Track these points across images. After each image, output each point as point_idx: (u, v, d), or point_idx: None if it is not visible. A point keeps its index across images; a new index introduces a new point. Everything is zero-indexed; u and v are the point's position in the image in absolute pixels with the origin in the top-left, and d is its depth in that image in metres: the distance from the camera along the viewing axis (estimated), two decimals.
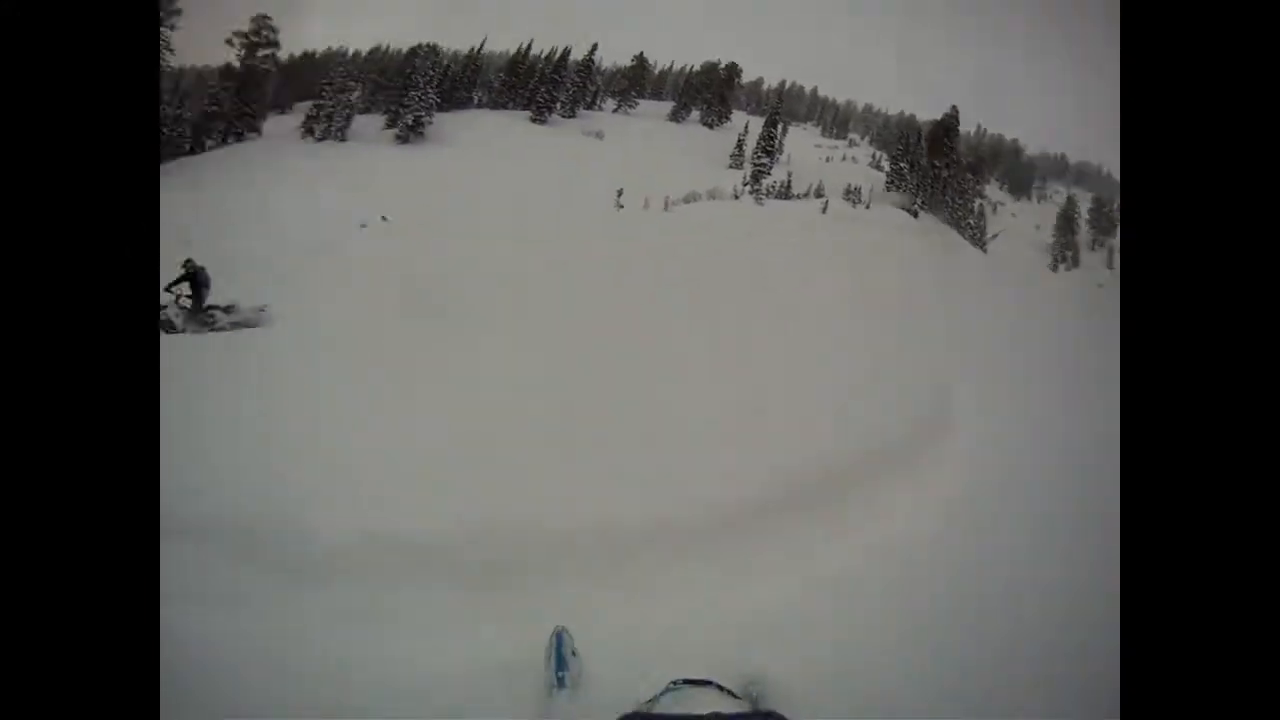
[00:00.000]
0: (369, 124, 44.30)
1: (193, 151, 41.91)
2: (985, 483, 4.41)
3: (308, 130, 41.85)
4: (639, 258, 14.06)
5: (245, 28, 43.23)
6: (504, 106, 55.66)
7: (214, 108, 43.45)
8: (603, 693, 2.65)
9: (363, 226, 19.31)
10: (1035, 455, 4.89)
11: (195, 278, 11.35)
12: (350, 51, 50.03)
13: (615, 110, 58.36)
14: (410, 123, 41.11)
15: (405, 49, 49.46)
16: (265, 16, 44.25)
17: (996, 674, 2.71)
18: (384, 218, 20.76)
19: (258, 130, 44.85)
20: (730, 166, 38.40)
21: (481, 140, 40.53)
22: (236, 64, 43.45)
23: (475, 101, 57.34)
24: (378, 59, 64.97)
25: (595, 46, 52.27)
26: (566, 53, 51.40)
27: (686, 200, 26.58)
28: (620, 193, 27.38)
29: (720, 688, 2.41)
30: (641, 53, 62.28)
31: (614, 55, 60.95)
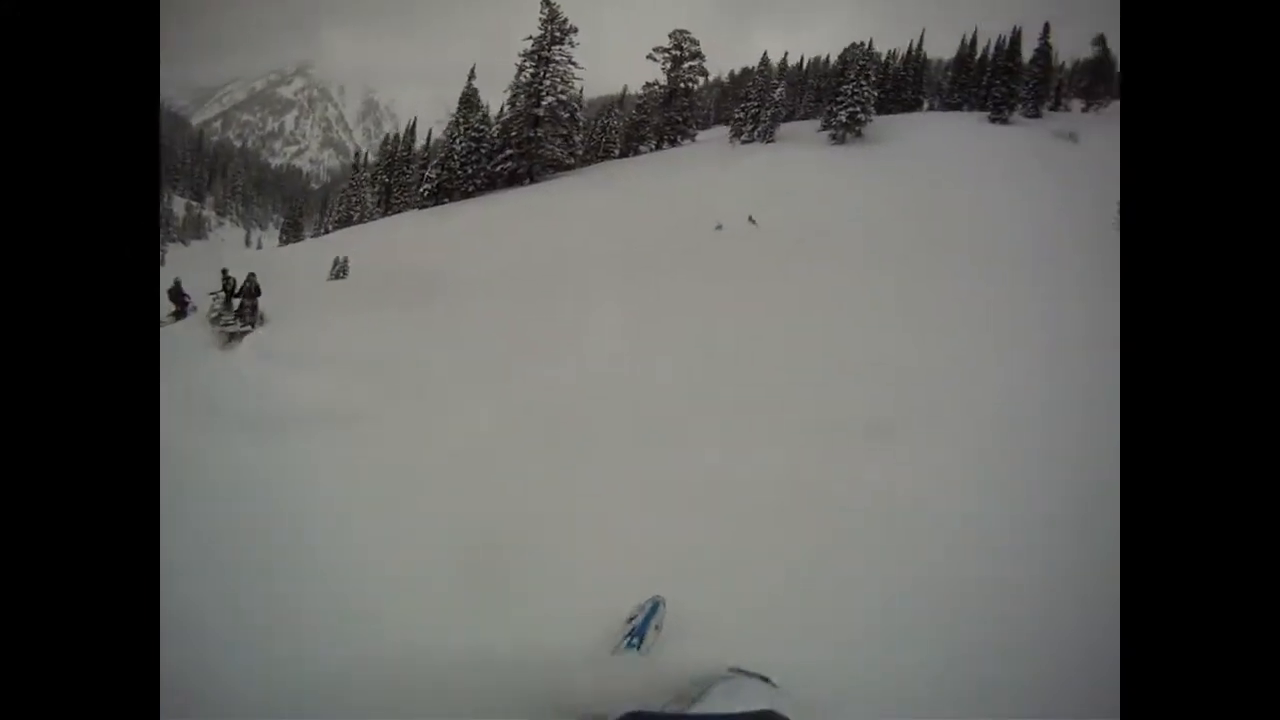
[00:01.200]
0: (804, 129, 41.68)
1: (623, 155, 43.71)
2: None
3: (735, 133, 40.85)
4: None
5: (665, 44, 43.84)
6: (956, 107, 48.89)
7: (641, 117, 44.60)
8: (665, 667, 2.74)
9: (718, 228, 17.40)
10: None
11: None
12: (780, 60, 47.86)
13: (1085, 110, 47.62)
14: (844, 120, 36.48)
15: (838, 53, 46.31)
16: (683, 31, 44.53)
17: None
18: (751, 219, 18.76)
19: (690, 137, 45.17)
20: None
21: (926, 141, 33.81)
22: (663, 79, 44.36)
23: (925, 106, 51.44)
24: (816, 69, 63.16)
25: (1047, 27, 42.75)
26: (1017, 39, 43.16)
27: None
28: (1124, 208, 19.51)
29: (773, 684, 2.42)
30: (1102, 36, 50.13)
31: (1068, 45, 50.71)
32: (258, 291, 13.37)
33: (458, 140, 38.54)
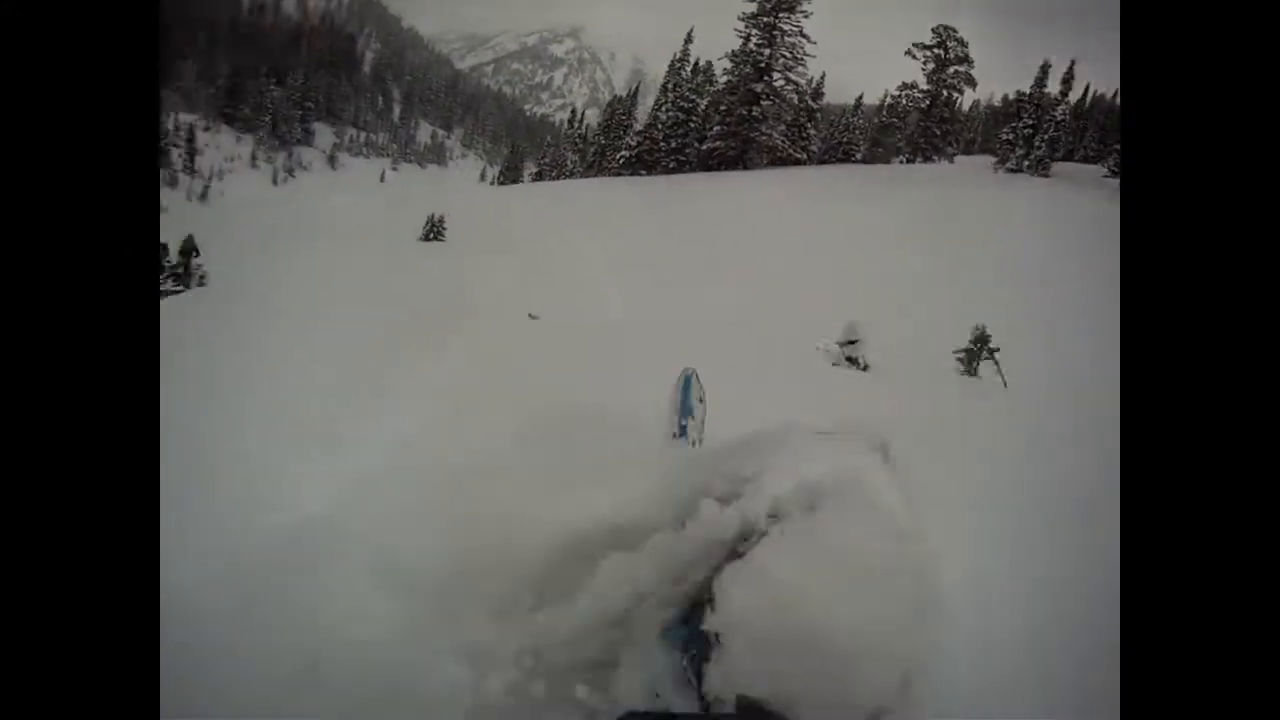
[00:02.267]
0: (1085, 171, 33.82)
1: (866, 162, 37.52)
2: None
3: (1001, 159, 33.64)
4: None
5: (928, 40, 36.12)
6: None
7: (891, 120, 37.75)
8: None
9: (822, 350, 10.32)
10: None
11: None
12: (1066, 72, 38.28)
13: None
14: None
15: None
16: (949, 27, 36.30)
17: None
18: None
19: (948, 157, 37.92)
20: None
21: None
22: (923, 82, 36.94)
23: None
24: (1104, 105, 51.82)
25: None
26: None
27: None
28: None
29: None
30: None
31: None
32: (194, 252, 14.23)
33: (664, 109, 34.92)
